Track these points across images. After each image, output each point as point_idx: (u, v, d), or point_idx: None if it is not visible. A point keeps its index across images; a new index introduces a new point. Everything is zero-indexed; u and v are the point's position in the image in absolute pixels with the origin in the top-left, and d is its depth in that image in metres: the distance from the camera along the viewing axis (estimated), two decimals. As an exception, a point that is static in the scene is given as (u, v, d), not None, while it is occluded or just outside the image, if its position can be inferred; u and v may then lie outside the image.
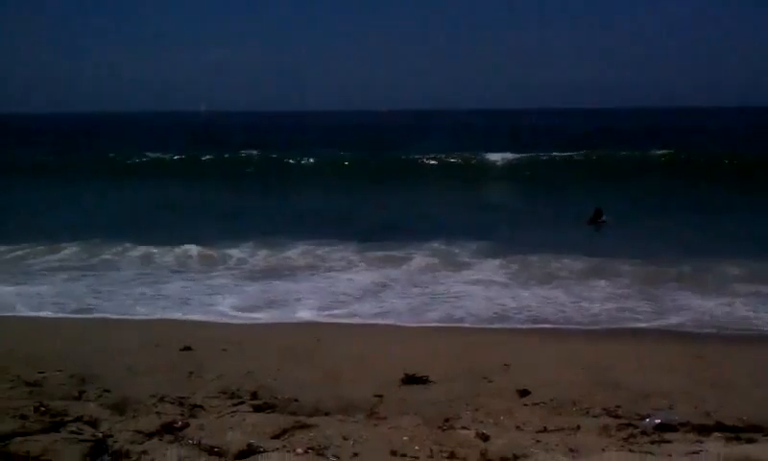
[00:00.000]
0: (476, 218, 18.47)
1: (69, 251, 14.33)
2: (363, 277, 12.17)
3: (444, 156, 31.76)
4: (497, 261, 12.99)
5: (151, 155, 34.49)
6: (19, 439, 4.38)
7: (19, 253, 14.22)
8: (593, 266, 12.40)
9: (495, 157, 30.75)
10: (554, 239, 14.58)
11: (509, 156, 30.80)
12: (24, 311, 10.20)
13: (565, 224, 16.92)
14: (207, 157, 33.56)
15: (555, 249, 13.58)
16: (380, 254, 13.82)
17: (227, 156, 33.87)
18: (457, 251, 14.13)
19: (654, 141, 37.45)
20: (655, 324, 9.44)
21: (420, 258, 13.48)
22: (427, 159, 31.28)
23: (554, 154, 30.99)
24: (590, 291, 11.02)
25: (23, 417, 4.87)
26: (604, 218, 16.60)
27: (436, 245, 14.56)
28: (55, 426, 4.71)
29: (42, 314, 10.07)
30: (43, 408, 5.13)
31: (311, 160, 31.80)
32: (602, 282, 11.44)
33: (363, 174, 28.63)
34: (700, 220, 17.24)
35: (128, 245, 14.57)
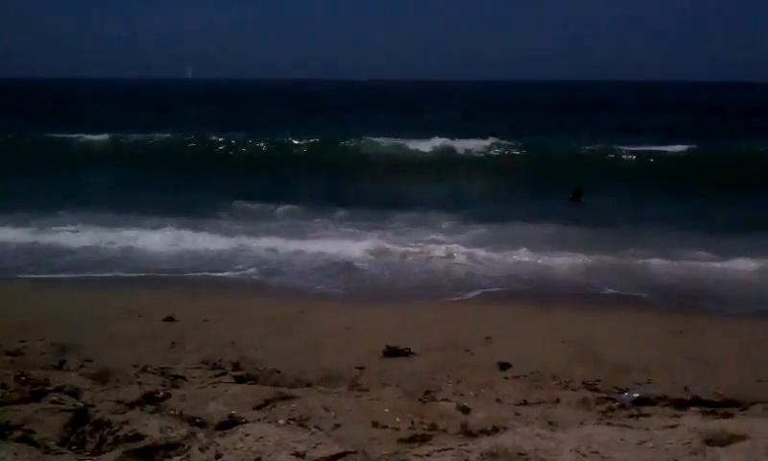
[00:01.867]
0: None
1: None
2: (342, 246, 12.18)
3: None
4: (476, 233, 13.14)
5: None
6: (0, 408, 4.36)
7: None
8: (567, 238, 12.59)
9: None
10: (532, 215, 14.55)
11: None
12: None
13: (544, 203, 16.71)
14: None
15: (534, 222, 13.78)
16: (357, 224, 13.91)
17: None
18: (439, 223, 14.24)
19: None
20: (631, 294, 9.58)
21: (399, 228, 13.66)
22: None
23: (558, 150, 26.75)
24: (564, 262, 11.18)
25: (3, 386, 4.84)
26: (583, 199, 16.58)
27: (414, 215, 14.85)
28: (36, 396, 4.68)
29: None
30: (24, 377, 5.10)
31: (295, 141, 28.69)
32: (576, 255, 11.50)
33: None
34: (693, 208, 16.60)
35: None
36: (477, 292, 9.79)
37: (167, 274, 10.61)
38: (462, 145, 25.24)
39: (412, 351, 6.76)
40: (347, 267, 11.01)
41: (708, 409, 5.12)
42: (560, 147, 25.81)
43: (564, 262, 11.18)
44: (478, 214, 14.94)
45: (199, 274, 10.62)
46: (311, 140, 26.42)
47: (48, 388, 4.90)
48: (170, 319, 7.77)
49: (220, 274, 10.62)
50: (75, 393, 4.89)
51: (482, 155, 24.84)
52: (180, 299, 9.08)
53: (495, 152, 25.09)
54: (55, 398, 4.66)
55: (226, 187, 18.61)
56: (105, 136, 27.18)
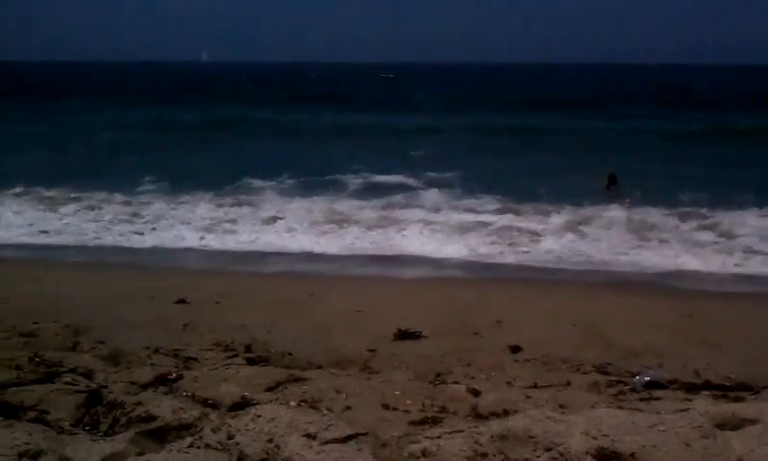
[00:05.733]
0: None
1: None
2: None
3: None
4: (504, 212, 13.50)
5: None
6: (14, 389, 4.40)
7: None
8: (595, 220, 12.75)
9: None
10: (568, 202, 14.44)
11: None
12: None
13: (580, 189, 15.92)
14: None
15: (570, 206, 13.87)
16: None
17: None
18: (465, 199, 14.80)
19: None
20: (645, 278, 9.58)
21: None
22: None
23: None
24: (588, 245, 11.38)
25: (18, 367, 4.88)
26: (618, 183, 16.36)
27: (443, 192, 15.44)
28: (50, 377, 4.72)
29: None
30: (38, 359, 5.15)
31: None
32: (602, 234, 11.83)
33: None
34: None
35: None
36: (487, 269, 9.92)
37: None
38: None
39: (422, 333, 6.77)
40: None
41: (720, 393, 5.10)
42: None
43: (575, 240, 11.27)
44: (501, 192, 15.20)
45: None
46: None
47: (62, 369, 4.94)
48: (182, 301, 7.80)
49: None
50: (88, 374, 4.94)
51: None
52: (192, 281, 9.12)
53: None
54: (68, 379, 4.70)
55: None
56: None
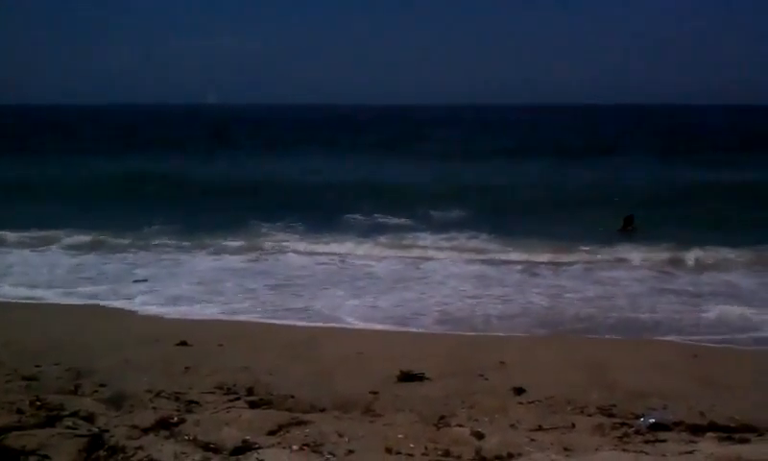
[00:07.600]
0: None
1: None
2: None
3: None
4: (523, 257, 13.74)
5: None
6: (16, 433, 4.38)
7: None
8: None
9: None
10: (585, 244, 14.52)
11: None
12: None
13: (597, 232, 16.07)
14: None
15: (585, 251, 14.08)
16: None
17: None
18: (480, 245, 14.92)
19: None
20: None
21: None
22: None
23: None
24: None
25: (19, 411, 4.87)
26: (634, 225, 16.43)
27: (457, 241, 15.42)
28: (51, 421, 4.71)
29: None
30: (39, 402, 5.13)
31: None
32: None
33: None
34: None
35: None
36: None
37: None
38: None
39: (426, 375, 6.74)
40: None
41: (725, 435, 5.07)
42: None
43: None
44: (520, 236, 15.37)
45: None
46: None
47: (63, 413, 4.93)
48: (184, 343, 7.79)
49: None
50: (90, 418, 4.92)
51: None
52: (195, 325, 9.09)
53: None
54: (70, 423, 4.69)
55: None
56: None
